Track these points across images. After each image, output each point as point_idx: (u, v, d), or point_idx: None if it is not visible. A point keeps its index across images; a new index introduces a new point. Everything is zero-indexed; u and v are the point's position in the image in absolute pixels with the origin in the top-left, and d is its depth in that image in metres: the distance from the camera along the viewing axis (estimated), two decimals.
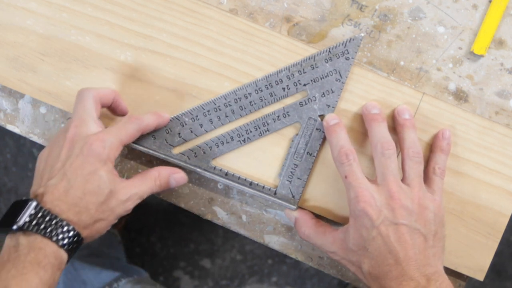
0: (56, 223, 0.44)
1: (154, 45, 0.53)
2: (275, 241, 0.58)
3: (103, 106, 0.51)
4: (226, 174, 0.54)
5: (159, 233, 1.23)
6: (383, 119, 0.51)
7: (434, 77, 0.54)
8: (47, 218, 0.44)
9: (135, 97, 0.54)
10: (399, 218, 0.47)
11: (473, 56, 0.54)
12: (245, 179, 0.54)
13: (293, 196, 0.54)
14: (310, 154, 0.53)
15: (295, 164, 0.53)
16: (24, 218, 0.44)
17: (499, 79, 0.54)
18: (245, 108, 0.53)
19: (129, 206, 0.49)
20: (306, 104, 0.53)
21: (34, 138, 0.58)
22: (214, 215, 0.58)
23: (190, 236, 1.24)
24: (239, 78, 0.53)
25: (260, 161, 0.54)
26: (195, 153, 0.53)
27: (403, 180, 0.50)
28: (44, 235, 0.44)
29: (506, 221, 0.54)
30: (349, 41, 0.52)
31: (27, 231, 0.44)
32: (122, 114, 0.53)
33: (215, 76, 0.53)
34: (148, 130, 0.51)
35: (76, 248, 0.46)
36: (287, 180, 0.53)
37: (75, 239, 0.45)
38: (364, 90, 0.53)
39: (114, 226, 1.08)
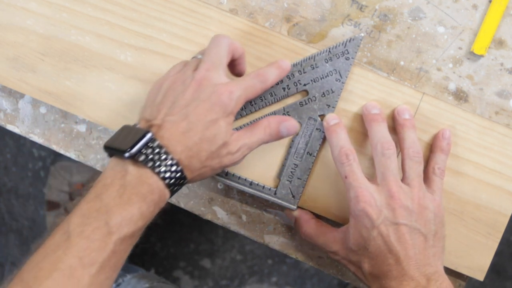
0: (168, 161, 0.43)
1: (154, 45, 0.53)
2: (275, 241, 0.58)
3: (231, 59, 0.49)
4: (226, 174, 0.54)
5: (159, 233, 1.23)
6: (383, 119, 0.51)
7: (434, 77, 0.54)
8: (161, 155, 0.43)
9: (135, 97, 0.54)
10: (399, 218, 0.47)
11: (473, 56, 0.54)
12: (245, 179, 0.54)
13: (293, 196, 0.54)
14: (310, 154, 0.53)
15: (295, 164, 0.53)
16: (138, 147, 0.42)
17: (499, 79, 0.54)
18: (245, 108, 0.53)
19: (238, 157, 0.48)
20: (306, 104, 0.53)
21: (34, 138, 0.58)
22: (214, 215, 0.58)
23: (190, 236, 1.24)
24: None
25: (260, 161, 0.54)
26: None
27: (403, 180, 0.50)
28: (153, 170, 0.43)
29: (506, 221, 0.54)
30: (349, 41, 0.52)
31: (137, 162, 0.43)
32: (240, 74, 0.51)
33: None
34: (271, 86, 0.49)
35: (178, 189, 0.45)
36: (287, 180, 0.53)
37: (181, 181, 0.44)
38: (364, 90, 0.53)
39: None
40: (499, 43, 0.54)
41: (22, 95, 0.57)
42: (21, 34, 0.54)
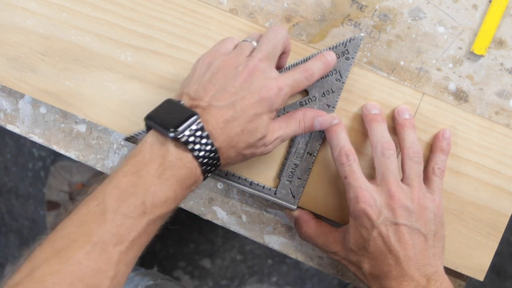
0: (208, 147, 0.43)
1: (154, 45, 0.53)
2: (275, 241, 0.58)
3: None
4: (226, 174, 0.54)
5: (159, 233, 1.23)
6: (383, 119, 0.51)
7: (434, 77, 0.54)
8: (203, 140, 0.43)
9: (135, 97, 0.54)
10: (399, 218, 0.47)
11: (473, 56, 0.54)
12: (245, 179, 0.54)
13: (293, 196, 0.54)
14: (310, 154, 0.53)
15: (295, 164, 0.53)
16: (183, 128, 0.42)
17: (499, 79, 0.54)
18: None
19: (270, 148, 0.48)
20: (306, 104, 0.53)
21: (34, 138, 0.58)
22: (214, 215, 0.58)
23: (190, 236, 1.24)
24: None
25: (260, 161, 0.54)
26: None
27: (402, 180, 0.50)
28: (194, 155, 0.42)
29: (506, 221, 0.54)
30: (349, 41, 0.52)
31: (179, 142, 0.42)
32: (280, 67, 0.51)
33: None
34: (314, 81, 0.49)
35: (209, 175, 0.45)
36: (287, 180, 0.53)
37: (215, 168, 0.45)
38: (364, 90, 0.53)
39: None
40: (499, 43, 0.54)
41: (22, 95, 0.57)
42: (21, 34, 0.54)
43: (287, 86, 0.46)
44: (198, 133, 0.42)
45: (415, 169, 0.50)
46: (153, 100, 0.53)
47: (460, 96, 0.55)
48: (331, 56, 0.50)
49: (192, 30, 0.53)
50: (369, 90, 0.53)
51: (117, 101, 0.54)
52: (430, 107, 0.53)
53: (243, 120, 0.44)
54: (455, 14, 0.54)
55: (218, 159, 0.44)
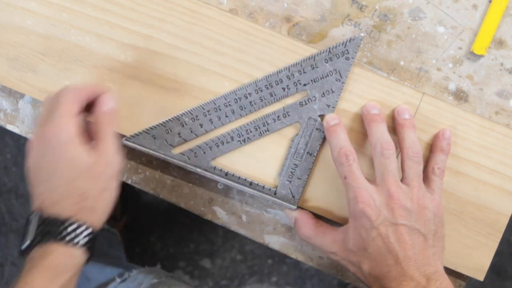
0: (78, 230, 0.44)
1: (154, 45, 0.53)
2: (275, 241, 0.58)
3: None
4: (226, 174, 0.54)
5: (159, 233, 1.23)
6: (382, 120, 0.51)
7: (434, 77, 0.54)
8: (67, 228, 0.44)
9: (135, 97, 0.54)
10: (399, 218, 0.47)
11: (473, 56, 0.54)
12: (245, 179, 0.54)
13: (293, 196, 0.54)
14: (310, 154, 0.53)
15: (295, 164, 0.53)
16: (31, 237, 0.44)
17: (499, 79, 0.54)
18: (245, 108, 0.53)
19: (118, 167, 0.48)
20: (306, 104, 0.53)
21: None
22: (214, 215, 0.58)
23: (190, 236, 1.24)
24: (239, 78, 0.53)
25: (260, 161, 0.54)
26: (195, 153, 0.53)
27: (402, 180, 0.50)
28: (56, 240, 0.43)
29: (506, 221, 0.54)
30: (349, 41, 0.52)
31: (36, 245, 0.44)
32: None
33: (215, 76, 0.53)
34: None
35: (92, 244, 0.45)
36: (287, 180, 0.53)
37: (92, 234, 0.45)
38: (364, 90, 0.53)
39: (114, 225, 1.08)
40: (499, 43, 0.54)
41: (22, 95, 0.57)
42: (21, 34, 0.54)
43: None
44: (43, 225, 0.44)
45: (415, 169, 0.50)
46: (153, 100, 0.54)
47: (460, 96, 0.55)
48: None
49: (192, 30, 0.53)
50: (369, 90, 0.53)
51: (117, 101, 0.54)
52: (430, 107, 0.53)
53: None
54: (455, 14, 0.54)
55: (86, 228, 0.45)
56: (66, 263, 0.44)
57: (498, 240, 0.54)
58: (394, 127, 0.53)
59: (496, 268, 1.24)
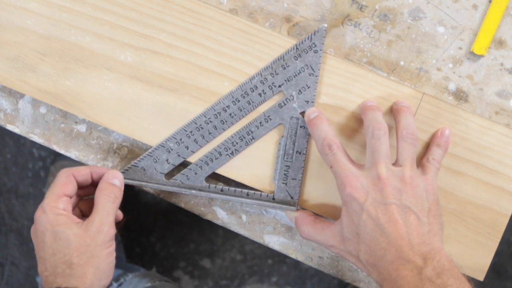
0: None
1: (154, 45, 0.53)
2: (275, 241, 0.58)
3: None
4: (222, 190, 0.54)
5: (159, 233, 1.23)
6: (378, 109, 0.51)
7: (434, 77, 0.54)
8: None
9: (135, 97, 0.54)
10: (388, 198, 0.47)
11: (473, 56, 0.54)
12: (241, 191, 0.54)
13: (292, 197, 0.54)
14: (300, 153, 0.53)
15: (286, 166, 0.53)
16: None
17: (499, 79, 0.54)
18: (226, 121, 0.53)
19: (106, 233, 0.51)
20: (285, 104, 0.53)
21: (34, 138, 0.58)
22: (214, 215, 0.58)
23: (190, 236, 1.24)
24: (239, 78, 0.53)
25: (252, 169, 0.54)
26: (187, 175, 0.54)
27: (395, 162, 0.49)
28: None
29: (506, 221, 0.54)
30: (314, 34, 0.52)
31: None
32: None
33: (215, 76, 0.53)
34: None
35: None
36: (283, 183, 0.53)
37: None
38: (364, 90, 0.53)
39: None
40: (499, 43, 0.54)
41: (22, 95, 0.57)
42: (21, 34, 0.54)
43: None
44: None
45: (408, 150, 0.49)
46: (153, 100, 0.54)
47: (460, 96, 0.55)
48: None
49: (192, 30, 0.53)
50: (369, 90, 0.53)
51: (117, 101, 0.54)
52: (430, 107, 0.53)
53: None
54: (455, 14, 0.54)
55: None
56: None
57: (498, 240, 0.54)
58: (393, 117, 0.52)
59: (496, 268, 1.24)
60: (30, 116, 0.58)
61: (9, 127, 0.58)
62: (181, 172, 0.54)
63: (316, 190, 0.54)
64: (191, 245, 1.24)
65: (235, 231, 0.58)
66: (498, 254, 1.17)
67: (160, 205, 1.20)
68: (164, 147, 0.53)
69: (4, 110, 0.58)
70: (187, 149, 0.53)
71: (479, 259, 0.54)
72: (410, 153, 0.49)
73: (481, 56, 0.54)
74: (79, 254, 0.49)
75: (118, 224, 1.18)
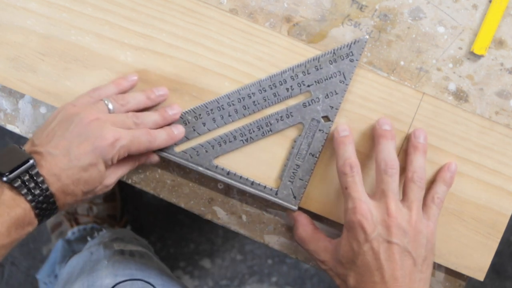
0: (44, 194, 0.45)
1: (154, 45, 0.53)
2: (275, 241, 0.58)
3: None
4: (228, 173, 0.54)
5: (159, 233, 1.23)
6: (392, 137, 0.51)
7: (434, 77, 0.54)
8: (38, 185, 0.44)
9: None
10: (393, 237, 0.47)
11: (473, 56, 0.54)
12: (246, 179, 0.54)
13: (294, 197, 0.54)
14: (313, 155, 0.53)
15: (297, 165, 0.53)
16: (17, 173, 0.44)
17: (499, 79, 0.54)
18: (248, 107, 0.53)
19: (111, 187, 0.50)
20: (309, 105, 0.53)
21: None
22: (214, 215, 0.58)
23: (190, 236, 1.24)
24: (239, 78, 0.53)
25: (262, 161, 0.54)
26: (197, 151, 0.53)
27: (402, 200, 0.50)
28: (27, 198, 0.44)
29: (506, 221, 0.54)
30: (354, 43, 0.52)
31: (14, 186, 0.44)
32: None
33: (215, 76, 0.53)
34: (156, 149, 0.52)
35: (47, 219, 0.47)
36: (289, 181, 0.53)
37: (52, 212, 0.46)
38: (364, 90, 0.53)
39: (114, 225, 1.08)
40: (499, 43, 0.54)
41: (22, 95, 0.57)
42: (21, 34, 0.54)
43: (124, 139, 0.47)
44: (33, 178, 0.44)
45: (416, 192, 0.50)
46: None
47: (460, 96, 0.55)
48: (179, 131, 0.52)
49: (192, 30, 0.53)
50: (369, 90, 0.53)
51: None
52: (430, 107, 0.53)
53: (77, 170, 0.46)
54: (455, 14, 0.54)
55: (54, 203, 0.45)
56: (25, 222, 0.45)
57: (498, 240, 0.54)
58: (406, 148, 0.52)
59: (496, 268, 1.24)
60: (30, 116, 0.58)
61: (9, 127, 0.58)
62: (192, 146, 0.53)
63: (319, 193, 0.54)
64: (191, 245, 1.24)
65: (235, 231, 0.58)
66: (498, 254, 1.17)
67: (160, 205, 1.20)
68: (182, 118, 0.53)
69: (4, 110, 0.58)
70: (204, 125, 0.53)
71: (479, 259, 0.54)
72: (418, 196, 0.50)
73: (481, 56, 0.54)
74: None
75: (118, 224, 1.17)
